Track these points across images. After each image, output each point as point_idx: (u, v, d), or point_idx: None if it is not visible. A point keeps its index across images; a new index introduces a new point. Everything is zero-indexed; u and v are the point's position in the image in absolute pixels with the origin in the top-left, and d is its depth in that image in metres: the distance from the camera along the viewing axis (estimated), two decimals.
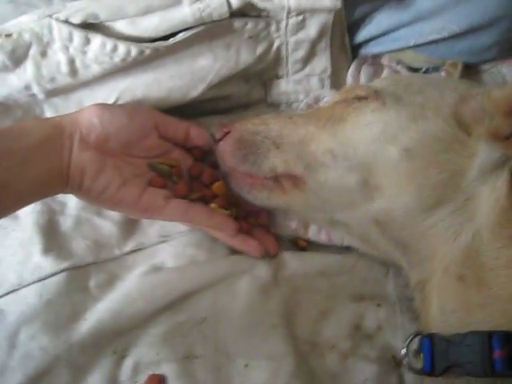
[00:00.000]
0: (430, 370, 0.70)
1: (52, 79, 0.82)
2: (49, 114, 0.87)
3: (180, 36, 0.82)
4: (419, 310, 0.77)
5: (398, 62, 1.00)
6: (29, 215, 0.86)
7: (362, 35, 0.97)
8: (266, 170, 0.79)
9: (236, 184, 0.82)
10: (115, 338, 0.79)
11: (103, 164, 0.79)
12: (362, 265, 0.88)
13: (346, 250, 0.89)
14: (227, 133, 0.82)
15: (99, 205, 0.83)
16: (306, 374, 0.78)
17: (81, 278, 0.83)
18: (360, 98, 0.77)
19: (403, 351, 0.77)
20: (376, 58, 1.00)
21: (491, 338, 0.64)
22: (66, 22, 0.79)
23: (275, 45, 0.90)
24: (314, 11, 0.85)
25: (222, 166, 0.83)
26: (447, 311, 0.70)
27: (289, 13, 0.84)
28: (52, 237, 0.85)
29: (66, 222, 0.86)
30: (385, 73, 0.98)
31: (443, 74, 0.97)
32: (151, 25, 0.81)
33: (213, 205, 0.84)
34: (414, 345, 0.77)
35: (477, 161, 0.70)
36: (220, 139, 0.83)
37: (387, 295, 0.86)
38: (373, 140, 0.73)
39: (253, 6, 0.83)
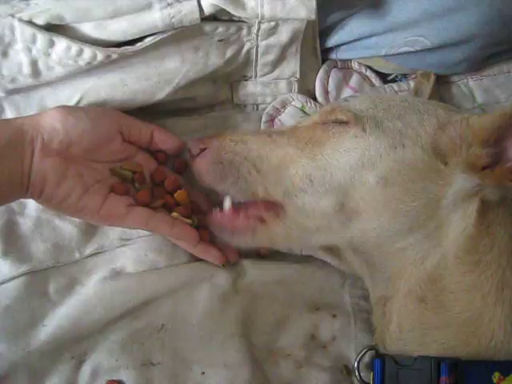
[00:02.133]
0: None
1: (13, 79, 0.79)
2: (9, 111, 0.84)
3: (148, 40, 0.79)
4: (377, 324, 0.80)
5: (368, 68, 1.00)
6: None
7: (333, 40, 0.96)
8: (246, 194, 0.78)
9: (217, 230, 0.82)
10: (74, 344, 0.79)
11: (65, 171, 0.77)
12: (319, 275, 0.90)
13: (306, 258, 0.91)
14: (204, 149, 0.81)
15: (60, 212, 0.81)
16: (262, 382, 0.81)
17: (40, 282, 0.83)
18: (340, 122, 0.76)
19: (355, 365, 0.80)
20: (345, 63, 1.00)
21: (440, 364, 0.68)
22: (30, 22, 0.75)
23: (245, 48, 0.88)
24: (287, 19, 0.83)
25: (199, 182, 0.82)
26: (404, 330, 0.74)
27: (262, 19, 0.82)
28: (11, 238, 0.83)
29: (26, 223, 0.85)
30: (354, 78, 0.98)
31: (412, 82, 0.98)
32: (119, 29, 0.78)
33: (174, 213, 0.83)
34: (366, 358, 0.81)
35: (451, 190, 0.72)
36: (196, 155, 0.82)
37: (343, 306, 0.88)
38: (351, 166, 0.73)
39: (225, 12, 0.80)
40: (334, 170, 0.74)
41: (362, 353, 0.80)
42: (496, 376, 0.67)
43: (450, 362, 0.67)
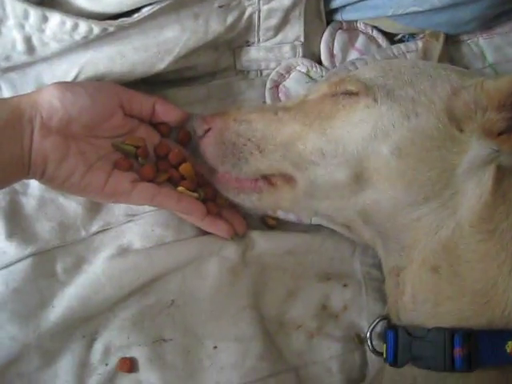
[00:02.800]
0: (392, 362, 0.73)
1: (7, 57, 0.76)
2: (5, 89, 0.82)
3: (146, 11, 0.76)
4: (389, 294, 0.79)
5: (374, 28, 0.96)
6: None
7: (338, 1, 0.92)
8: (248, 173, 0.77)
9: (223, 188, 0.81)
10: (84, 323, 0.79)
11: (66, 149, 0.75)
12: (329, 244, 0.88)
13: (315, 228, 0.89)
14: (209, 129, 0.79)
15: (64, 191, 0.80)
16: (274, 354, 0.81)
17: (47, 262, 0.81)
18: (350, 94, 0.74)
19: (367, 335, 0.80)
20: (351, 24, 0.96)
21: (453, 335, 0.68)
22: None
23: (247, 13, 0.85)
24: None
25: (206, 162, 0.81)
26: (418, 301, 0.73)
27: None
28: (15, 219, 0.82)
29: (30, 203, 0.83)
30: (360, 39, 0.94)
31: (420, 42, 0.94)
32: (114, 0, 0.74)
33: (180, 188, 0.82)
34: (378, 327, 0.81)
35: (467, 157, 0.69)
36: (202, 135, 0.80)
37: (353, 274, 0.88)
38: (363, 138, 0.71)
39: None
40: (346, 143, 0.72)
41: (375, 323, 0.80)
42: (510, 345, 0.66)
43: (463, 333, 0.67)
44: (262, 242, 0.87)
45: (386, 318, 0.79)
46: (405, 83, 0.74)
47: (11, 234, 0.81)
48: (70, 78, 0.82)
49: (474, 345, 0.67)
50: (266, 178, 0.78)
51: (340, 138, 0.73)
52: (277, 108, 0.81)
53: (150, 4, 0.77)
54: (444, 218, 0.71)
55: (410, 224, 0.73)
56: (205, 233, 0.86)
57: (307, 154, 0.74)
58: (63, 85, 0.77)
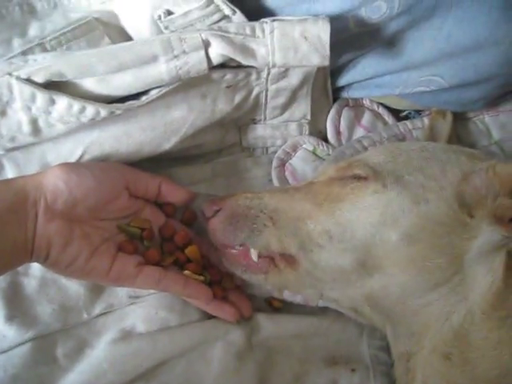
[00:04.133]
0: None
1: (12, 138, 0.75)
2: (8, 168, 0.79)
3: (154, 93, 0.75)
4: (399, 379, 0.76)
5: (380, 105, 0.96)
6: None
7: (344, 79, 0.92)
8: (259, 247, 0.75)
9: (230, 265, 0.79)
10: None
11: (71, 234, 0.73)
12: (336, 326, 0.86)
13: (322, 310, 0.87)
14: (218, 210, 0.78)
15: (67, 275, 0.77)
16: None
17: (47, 347, 0.78)
18: (358, 178, 0.73)
19: None
20: (357, 101, 0.96)
21: None
22: (28, 80, 0.71)
23: (254, 92, 0.84)
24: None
25: (214, 242, 0.79)
26: None
27: (273, 67, 0.78)
28: (16, 301, 0.79)
29: (30, 284, 0.80)
30: (366, 116, 0.94)
31: (426, 119, 0.94)
32: (124, 83, 0.73)
33: (187, 272, 0.80)
34: None
35: (477, 243, 0.68)
36: (211, 216, 0.78)
37: (361, 358, 0.85)
38: (371, 223, 0.70)
39: (233, 60, 0.76)
40: (354, 227, 0.70)
41: None
42: None
43: None
44: (268, 325, 0.85)
45: None
46: (414, 168, 0.73)
47: (11, 317, 0.78)
48: (74, 158, 0.80)
49: None
50: (271, 259, 0.76)
51: (348, 222, 0.71)
52: (286, 188, 0.80)
53: (158, 86, 0.76)
54: (454, 303, 0.69)
55: (420, 309, 0.71)
56: (210, 315, 0.84)
57: (315, 235, 0.72)
58: (68, 166, 0.75)
